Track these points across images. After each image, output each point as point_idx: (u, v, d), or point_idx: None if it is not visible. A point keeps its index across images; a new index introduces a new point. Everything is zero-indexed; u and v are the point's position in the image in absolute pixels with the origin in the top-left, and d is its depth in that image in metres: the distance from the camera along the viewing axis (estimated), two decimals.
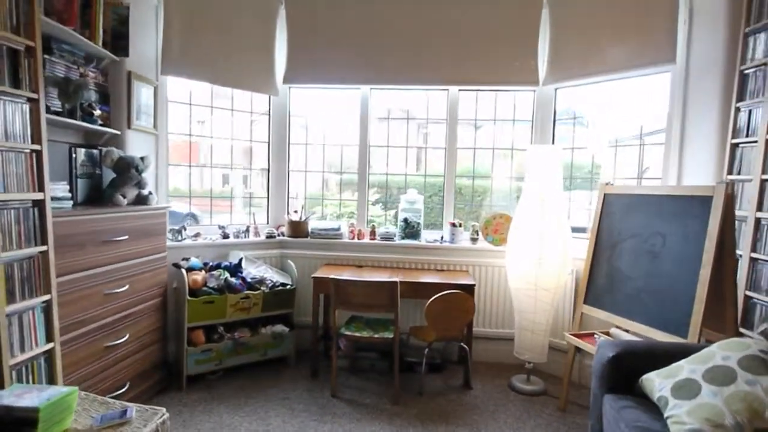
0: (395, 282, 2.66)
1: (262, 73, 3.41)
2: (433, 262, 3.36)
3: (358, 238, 3.49)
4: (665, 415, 1.56)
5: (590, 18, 3.06)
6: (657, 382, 1.69)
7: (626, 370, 1.85)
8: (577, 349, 3.02)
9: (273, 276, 3.17)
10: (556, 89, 3.37)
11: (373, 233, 3.49)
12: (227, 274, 2.96)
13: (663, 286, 2.25)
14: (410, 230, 3.42)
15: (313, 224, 3.52)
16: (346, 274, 2.87)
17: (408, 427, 2.44)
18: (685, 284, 2.13)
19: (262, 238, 3.45)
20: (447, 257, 3.36)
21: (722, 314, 2.12)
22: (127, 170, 2.54)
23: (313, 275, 3.01)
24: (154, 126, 3.02)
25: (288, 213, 3.66)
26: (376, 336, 2.76)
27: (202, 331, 2.88)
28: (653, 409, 1.67)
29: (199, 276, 2.88)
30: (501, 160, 3.61)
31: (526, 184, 2.93)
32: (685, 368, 1.66)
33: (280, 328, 3.12)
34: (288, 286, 3.15)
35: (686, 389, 1.56)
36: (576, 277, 3.02)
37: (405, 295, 2.82)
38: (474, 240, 3.42)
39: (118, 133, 2.70)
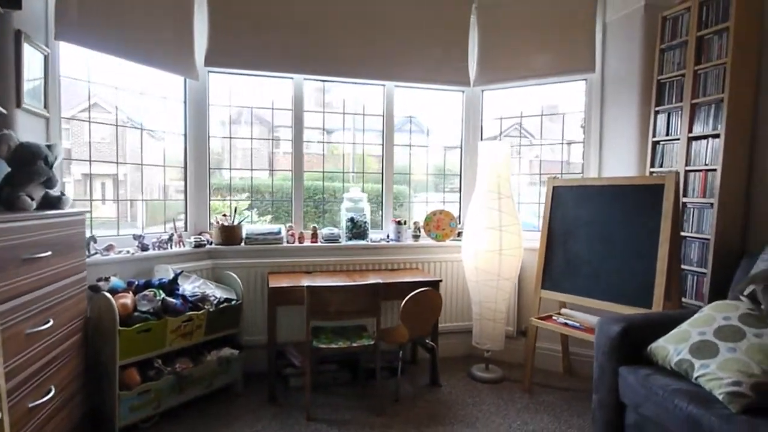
0: (378, 284, 2.47)
1: (178, 51, 2.84)
2: (384, 261, 3.24)
3: (299, 242, 3.16)
4: (695, 375, 1.75)
5: (517, 26, 3.32)
6: (672, 348, 1.89)
7: (633, 342, 2.03)
8: (524, 333, 3.25)
9: (215, 291, 2.65)
10: (482, 91, 3.57)
11: (314, 236, 3.20)
12: (163, 294, 2.38)
13: (621, 266, 2.54)
14: (357, 230, 3.23)
15: (247, 229, 3.06)
16: (306, 281, 2.57)
17: None
18: (642, 261, 2.45)
19: (188, 248, 2.87)
20: (396, 256, 3.27)
21: (668, 285, 2.50)
22: (32, 162, 1.84)
23: (271, 285, 2.62)
24: (45, 106, 2.26)
25: (212, 218, 3.12)
26: (354, 344, 2.52)
27: (135, 369, 2.25)
28: (671, 374, 1.86)
29: (127, 299, 2.25)
30: (426, 157, 3.67)
31: (480, 179, 3.03)
32: (692, 332, 1.89)
33: (227, 351, 2.63)
34: (234, 302, 2.67)
35: (706, 350, 1.78)
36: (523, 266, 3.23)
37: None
38: (416, 237, 3.40)
39: (4, 112, 1.94)
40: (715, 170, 2.47)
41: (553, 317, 2.82)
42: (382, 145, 3.46)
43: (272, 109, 3.29)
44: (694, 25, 2.58)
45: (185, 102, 3.04)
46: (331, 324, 2.76)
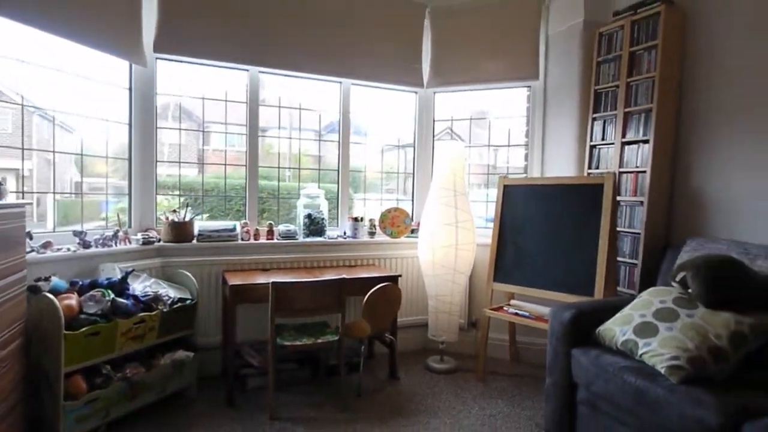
0: (344, 279, 2.48)
1: (123, 32, 2.65)
2: (341, 258, 3.24)
3: (255, 239, 3.08)
4: (639, 352, 1.96)
5: (467, 33, 3.48)
6: (617, 330, 2.10)
7: (582, 326, 2.22)
8: (474, 325, 3.41)
9: (168, 291, 2.51)
10: (434, 93, 3.70)
11: (270, 232, 3.13)
12: (112, 294, 2.21)
13: (566, 258, 2.76)
14: (315, 227, 3.21)
15: (200, 226, 2.93)
16: (262, 278, 2.51)
17: (374, 429, 2.32)
18: (584, 254, 2.68)
19: (135, 245, 2.68)
20: (353, 252, 3.29)
21: (607, 275, 2.75)
22: None
23: (231, 283, 2.52)
24: None
25: (158, 213, 2.95)
26: (319, 341, 2.51)
27: (81, 376, 2.07)
28: (618, 353, 2.06)
29: (72, 300, 2.07)
30: (380, 155, 3.74)
31: (436, 178, 3.13)
32: (634, 315, 2.11)
33: (182, 354, 2.50)
34: (188, 301, 2.55)
35: (647, 330, 2.00)
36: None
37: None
38: (372, 234, 3.45)
39: None
40: (644, 172, 2.77)
41: (504, 308, 2.99)
42: (339, 142, 3.46)
43: (225, 101, 3.17)
44: (627, 42, 2.87)
45: (130, 89, 2.84)
46: (293, 321, 2.72)
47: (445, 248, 3.02)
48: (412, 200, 3.73)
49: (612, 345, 2.11)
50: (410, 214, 3.59)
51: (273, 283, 2.35)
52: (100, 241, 2.53)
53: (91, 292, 2.17)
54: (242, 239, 3.03)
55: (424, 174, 3.70)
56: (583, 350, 2.14)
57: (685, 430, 1.64)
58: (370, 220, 3.46)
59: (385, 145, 3.72)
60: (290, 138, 3.42)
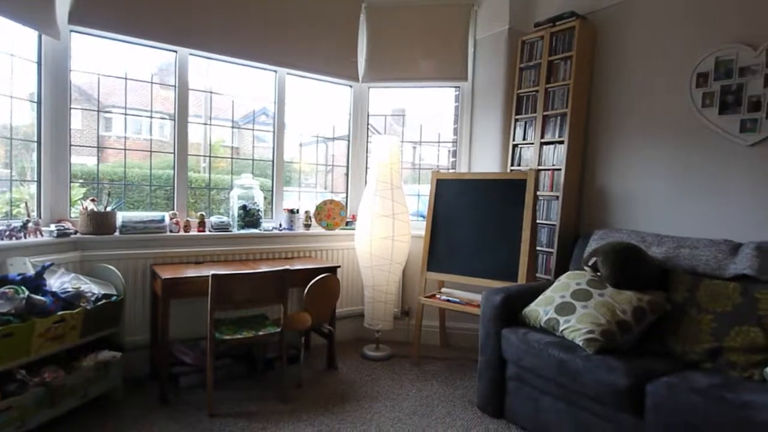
0: (286, 270, 2.47)
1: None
2: (277, 250, 3.20)
3: (185, 231, 2.93)
4: (560, 329, 2.20)
5: (402, 32, 3.60)
6: (541, 310, 2.34)
7: (511, 309, 2.44)
8: (407, 313, 3.57)
9: (91, 287, 2.31)
10: (369, 87, 3.78)
11: (202, 224, 3.00)
12: (27, 292, 2.00)
13: (493, 248, 2.99)
14: (250, 218, 3.13)
15: (124, 217, 2.72)
16: (193, 272, 2.43)
17: (318, 417, 2.35)
18: (509, 243, 2.93)
19: (49, 237, 2.43)
20: (290, 244, 3.26)
21: (528, 263, 3.03)
22: None
23: (165, 277, 2.39)
24: None
25: (72, 202, 2.69)
26: (260, 333, 2.47)
27: None
28: (542, 331, 2.31)
29: None
30: (312, 148, 3.74)
31: (374, 171, 3.21)
32: (555, 296, 2.37)
33: (107, 354, 2.32)
34: (114, 298, 2.37)
35: (566, 309, 2.26)
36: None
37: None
38: (307, 226, 3.44)
39: None
40: (560, 170, 3.08)
41: (437, 296, 3.16)
42: (273, 132, 3.40)
43: (151, 83, 2.97)
44: (546, 51, 3.17)
45: (39, 64, 2.55)
46: (230, 316, 2.65)
47: (383, 239, 3.11)
48: (347, 193, 3.78)
49: (537, 324, 2.35)
50: (345, 207, 3.63)
51: (213, 275, 2.27)
52: (6, 233, 2.26)
53: (2, 289, 1.94)
54: (171, 231, 2.87)
55: (358, 167, 3.76)
56: (511, 329, 2.36)
57: (600, 393, 1.89)
58: (306, 212, 3.45)
59: (320, 137, 3.72)
60: (223, 126, 3.29)
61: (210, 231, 3.01)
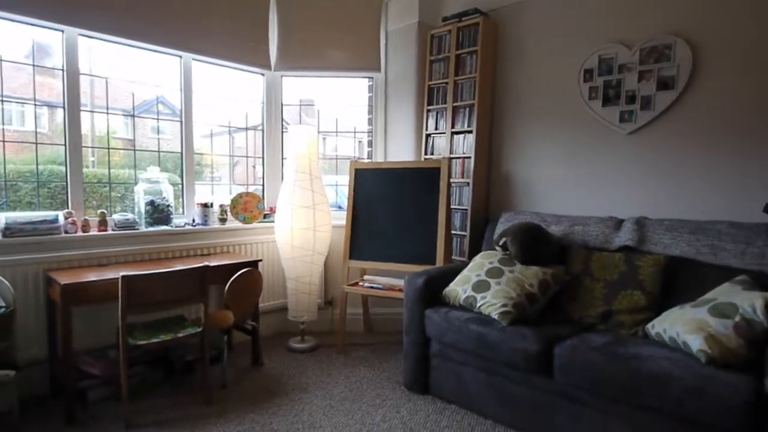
0: (206, 267, 2.36)
1: None
2: (192, 247, 3.04)
3: (84, 231, 2.66)
4: (478, 305, 2.38)
5: (314, 20, 3.56)
6: (460, 289, 2.50)
7: (432, 290, 2.58)
8: (330, 303, 3.60)
9: None
10: (282, 76, 3.69)
11: (103, 223, 2.75)
12: None
13: (411, 233, 3.12)
14: (159, 215, 2.92)
15: (7, 217, 2.40)
16: (101, 274, 2.24)
17: (248, 415, 2.30)
18: (426, 228, 3.07)
19: None
20: (205, 240, 3.11)
21: (445, 246, 3.21)
22: None
23: (64, 282, 2.15)
24: None
25: None
26: (180, 335, 2.34)
27: None
28: (461, 308, 2.47)
29: None
30: (223, 138, 3.59)
31: (292, 161, 3.16)
32: (471, 276, 2.54)
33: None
34: (2, 310, 2.09)
35: (482, 286, 2.44)
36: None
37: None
38: (223, 220, 3.30)
39: None
40: (470, 158, 3.29)
41: (360, 283, 3.23)
42: (181, 122, 3.19)
43: (33, 65, 2.63)
44: (454, 45, 3.34)
45: None
46: (143, 319, 2.47)
47: (304, 231, 3.09)
48: (263, 185, 3.68)
49: (456, 302, 2.51)
50: (262, 199, 3.54)
51: (124, 276, 2.10)
52: None
53: None
54: (67, 232, 2.59)
55: (274, 158, 3.68)
56: (434, 309, 2.49)
57: (515, 360, 2.09)
58: (221, 206, 3.31)
59: (232, 127, 3.57)
60: (115, 115, 3.02)
61: (114, 230, 2.77)
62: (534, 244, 2.56)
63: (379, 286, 3.12)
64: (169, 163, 3.25)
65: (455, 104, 3.36)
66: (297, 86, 3.79)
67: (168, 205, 2.97)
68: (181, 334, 2.35)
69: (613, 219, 2.64)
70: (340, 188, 4.03)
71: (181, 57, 3.15)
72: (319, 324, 3.56)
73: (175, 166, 3.25)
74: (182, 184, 3.24)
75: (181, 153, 3.23)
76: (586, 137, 2.94)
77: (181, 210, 3.24)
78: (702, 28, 2.49)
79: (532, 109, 3.19)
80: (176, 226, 3.01)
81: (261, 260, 2.98)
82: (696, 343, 1.69)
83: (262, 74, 3.61)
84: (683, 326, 1.80)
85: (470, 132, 3.28)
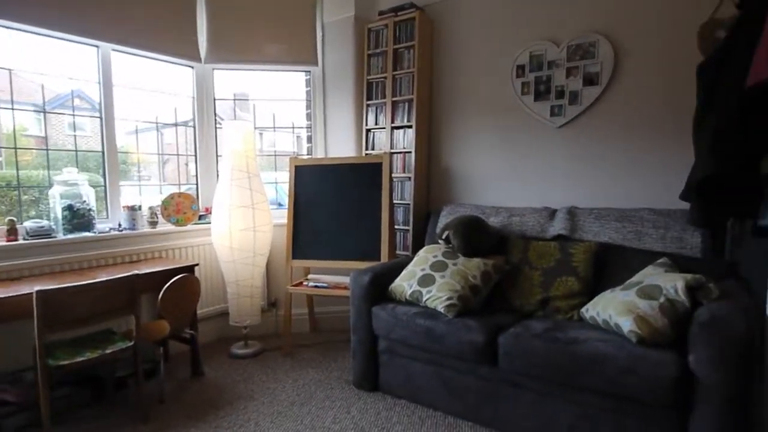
0: (135, 275, 2.18)
1: None
2: (119, 254, 2.81)
3: None
4: (424, 299, 2.39)
5: (245, 11, 3.41)
6: (406, 284, 2.50)
7: (378, 286, 2.56)
8: (274, 304, 3.50)
9: None
10: (213, 69, 3.50)
11: (12, 231, 2.47)
12: None
13: (355, 230, 3.08)
14: (79, 220, 2.67)
15: None
16: (10, 290, 2.02)
17: (189, 430, 2.18)
18: (370, 224, 3.05)
19: None
20: (134, 246, 2.88)
21: (389, 241, 3.20)
22: None
23: None
24: None
25: None
26: (108, 351, 2.16)
27: None
28: (408, 303, 2.47)
29: None
30: (150, 135, 3.36)
31: (228, 159, 3.01)
32: (416, 270, 2.55)
33: None
34: None
35: (427, 280, 2.46)
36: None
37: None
38: (153, 224, 3.09)
39: None
40: (410, 152, 3.31)
41: (304, 283, 3.15)
42: (101, 118, 2.93)
43: None
44: (391, 40, 3.33)
45: None
46: (64, 336, 2.25)
47: (243, 231, 2.96)
48: (197, 184, 3.48)
49: (403, 298, 2.51)
50: (196, 199, 3.35)
51: (39, 291, 1.90)
52: None
53: None
54: None
55: (208, 156, 3.49)
56: (381, 306, 2.48)
57: (462, 351, 2.13)
58: (150, 208, 3.09)
59: (160, 123, 3.33)
60: (25, 111, 2.72)
61: (26, 239, 2.50)
62: (475, 236, 2.62)
63: (325, 285, 3.07)
64: (90, 163, 2.99)
65: (394, 99, 3.35)
66: (231, 80, 3.61)
67: (89, 210, 2.73)
68: (109, 350, 2.17)
69: (547, 209, 2.76)
70: (280, 185, 3.91)
71: (98, 47, 2.89)
72: (263, 327, 3.44)
73: (97, 165, 2.99)
74: (105, 186, 2.98)
75: (103, 151, 2.97)
76: (520, 131, 3.05)
77: (105, 214, 2.99)
78: (622, 27, 2.65)
79: (470, 103, 3.26)
80: (100, 232, 2.77)
81: (197, 264, 2.81)
82: (627, 325, 1.80)
83: (192, 67, 3.40)
84: (615, 309, 1.91)
85: (410, 127, 3.30)
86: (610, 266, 2.38)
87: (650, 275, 2.02)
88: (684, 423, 1.65)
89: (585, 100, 2.78)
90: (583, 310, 2.17)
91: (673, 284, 1.83)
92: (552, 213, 2.73)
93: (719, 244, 2.14)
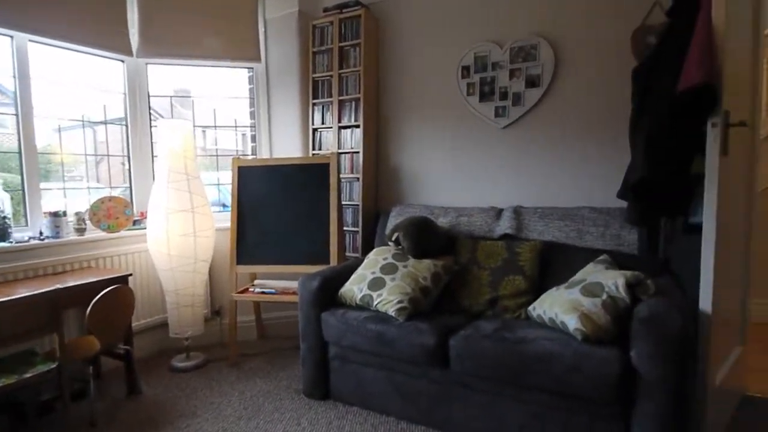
0: (57, 290, 1.99)
1: None
2: (41, 265, 2.55)
3: None
4: (374, 303, 2.35)
5: (182, 0, 3.21)
6: (356, 288, 2.45)
7: (328, 291, 2.49)
8: (218, 313, 3.35)
9: None
10: (147, 64, 3.28)
11: None
12: None
13: (303, 232, 2.99)
14: None
15: None
16: None
17: None
18: (318, 227, 2.97)
19: None
20: (58, 256, 2.63)
21: (338, 243, 3.14)
22: None
23: None
24: None
25: None
26: (28, 375, 1.95)
27: None
28: (359, 308, 2.42)
29: None
30: (77, 134, 3.10)
31: (165, 160, 2.82)
32: (366, 273, 2.51)
33: None
34: None
35: (378, 284, 2.42)
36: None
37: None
38: (80, 231, 2.84)
39: None
40: (358, 152, 3.25)
41: (250, 289, 3.02)
42: (17, 114, 2.65)
43: None
44: (337, 37, 3.25)
45: None
46: None
47: (183, 237, 2.79)
48: (130, 187, 3.24)
49: (353, 302, 2.46)
50: (130, 203, 3.12)
51: None
52: None
53: None
54: None
55: (142, 156, 3.26)
56: (331, 312, 2.41)
57: (414, 355, 2.11)
58: (77, 213, 2.84)
59: (87, 121, 3.07)
60: None
61: None
62: (425, 237, 2.61)
63: (272, 291, 2.95)
64: (13, 163, 2.69)
65: (341, 98, 3.28)
66: (171, 75, 3.40)
67: (4, 217, 2.46)
68: (29, 374, 1.97)
69: (494, 209, 2.80)
70: (224, 187, 3.73)
71: (12, 37, 2.61)
72: (206, 337, 3.27)
73: (13, 167, 2.71)
74: (23, 190, 2.70)
75: (20, 151, 2.69)
76: (467, 131, 3.08)
77: (23, 221, 2.71)
78: (561, 31, 2.73)
79: (417, 103, 3.24)
80: (17, 242, 2.51)
81: (131, 274, 2.62)
82: (572, 323, 1.85)
83: (122, 61, 3.16)
84: (560, 307, 1.96)
85: (357, 126, 3.24)
86: (554, 264, 2.45)
87: (592, 273, 2.09)
88: (627, 418, 1.72)
89: (528, 101, 2.84)
90: (530, 308, 2.21)
91: (614, 281, 1.90)
92: (499, 212, 2.77)
93: (654, 241, 2.25)
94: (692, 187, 1.93)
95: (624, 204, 2.40)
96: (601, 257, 2.25)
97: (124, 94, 3.20)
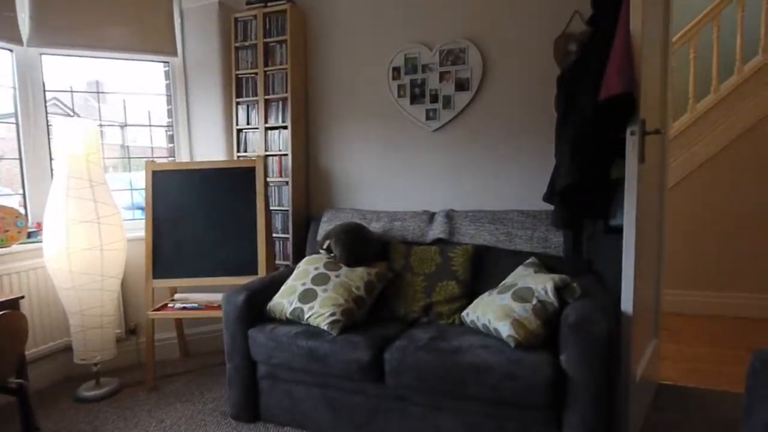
0: None
1: None
2: None
3: None
4: (306, 317, 2.22)
5: None
6: (285, 302, 2.31)
7: (255, 306, 2.33)
8: (133, 331, 3.07)
9: None
10: (41, 54, 2.89)
11: None
12: None
13: (228, 242, 2.79)
14: None
15: None
16: None
17: None
18: (244, 235, 2.79)
19: None
20: None
21: (267, 252, 2.96)
22: None
23: None
24: None
25: None
26: None
27: None
28: (289, 323, 2.28)
29: None
30: None
31: (62, 165, 2.49)
32: (297, 285, 2.37)
33: None
34: None
35: (309, 295, 2.29)
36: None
37: None
38: None
39: None
40: (287, 155, 3.09)
41: (169, 305, 2.77)
42: None
43: None
44: (261, 32, 3.06)
45: None
46: None
47: (87, 251, 2.49)
48: (24, 194, 2.85)
49: (283, 316, 2.31)
50: (24, 213, 2.74)
51: None
52: None
53: None
54: None
55: (38, 158, 2.87)
56: (259, 328, 2.26)
57: (349, 372, 2.02)
58: None
59: None
60: None
61: None
62: (357, 244, 2.53)
63: (195, 305, 2.73)
64: None
65: (267, 97, 3.10)
66: (80, 67, 3.02)
67: None
68: None
69: (426, 213, 2.78)
70: (137, 189, 3.40)
71: None
72: (121, 359, 2.96)
73: None
74: None
75: None
76: (398, 134, 3.02)
77: None
78: (488, 35, 2.74)
79: (348, 103, 3.14)
80: None
81: (23, 297, 2.28)
82: (505, 330, 1.85)
83: (11, 50, 2.76)
84: (493, 313, 1.96)
85: (285, 127, 3.08)
86: (486, 268, 2.46)
87: (522, 276, 2.11)
88: (559, 421, 1.74)
89: (457, 104, 2.84)
90: (464, 314, 2.20)
91: (543, 285, 1.93)
92: (431, 216, 2.75)
93: (578, 243, 2.33)
94: (612, 191, 2.01)
95: (549, 207, 2.47)
96: (530, 260, 2.29)
97: (14, 87, 2.80)
